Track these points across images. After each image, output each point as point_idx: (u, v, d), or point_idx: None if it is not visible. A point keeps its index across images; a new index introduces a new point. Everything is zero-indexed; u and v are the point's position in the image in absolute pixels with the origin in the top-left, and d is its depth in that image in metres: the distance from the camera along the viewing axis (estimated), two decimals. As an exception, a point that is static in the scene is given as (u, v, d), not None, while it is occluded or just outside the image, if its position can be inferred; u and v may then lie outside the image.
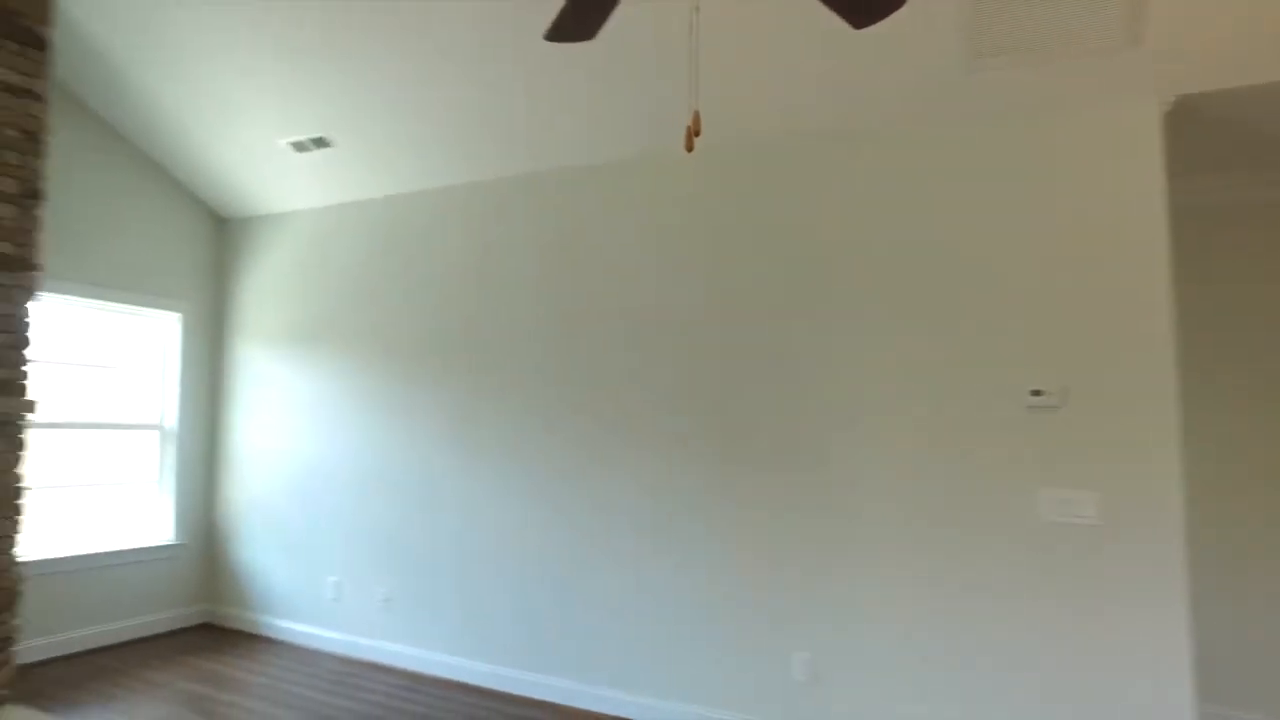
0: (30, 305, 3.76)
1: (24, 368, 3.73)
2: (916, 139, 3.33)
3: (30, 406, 3.67)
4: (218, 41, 3.80)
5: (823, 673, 3.32)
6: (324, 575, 4.67)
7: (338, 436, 4.71)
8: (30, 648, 4.19)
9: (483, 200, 4.34)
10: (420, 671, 4.24)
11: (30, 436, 4.25)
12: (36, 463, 4.38)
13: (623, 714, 3.69)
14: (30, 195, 3.77)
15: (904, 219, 3.33)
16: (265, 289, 5.11)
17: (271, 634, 4.82)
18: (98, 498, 4.80)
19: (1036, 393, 3.07)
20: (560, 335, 4.03)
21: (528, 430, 4.08)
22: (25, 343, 3.75)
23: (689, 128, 1.55)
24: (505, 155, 4.13)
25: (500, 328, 4.21)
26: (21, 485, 3.71)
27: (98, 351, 4.78)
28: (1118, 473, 2.92)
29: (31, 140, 3.79)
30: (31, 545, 4.34)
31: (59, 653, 4.30)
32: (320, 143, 4.33)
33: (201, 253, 5.21)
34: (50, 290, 4.37)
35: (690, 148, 1.64)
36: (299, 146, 4.39)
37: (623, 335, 3.87)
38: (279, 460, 4.93)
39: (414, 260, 4.54)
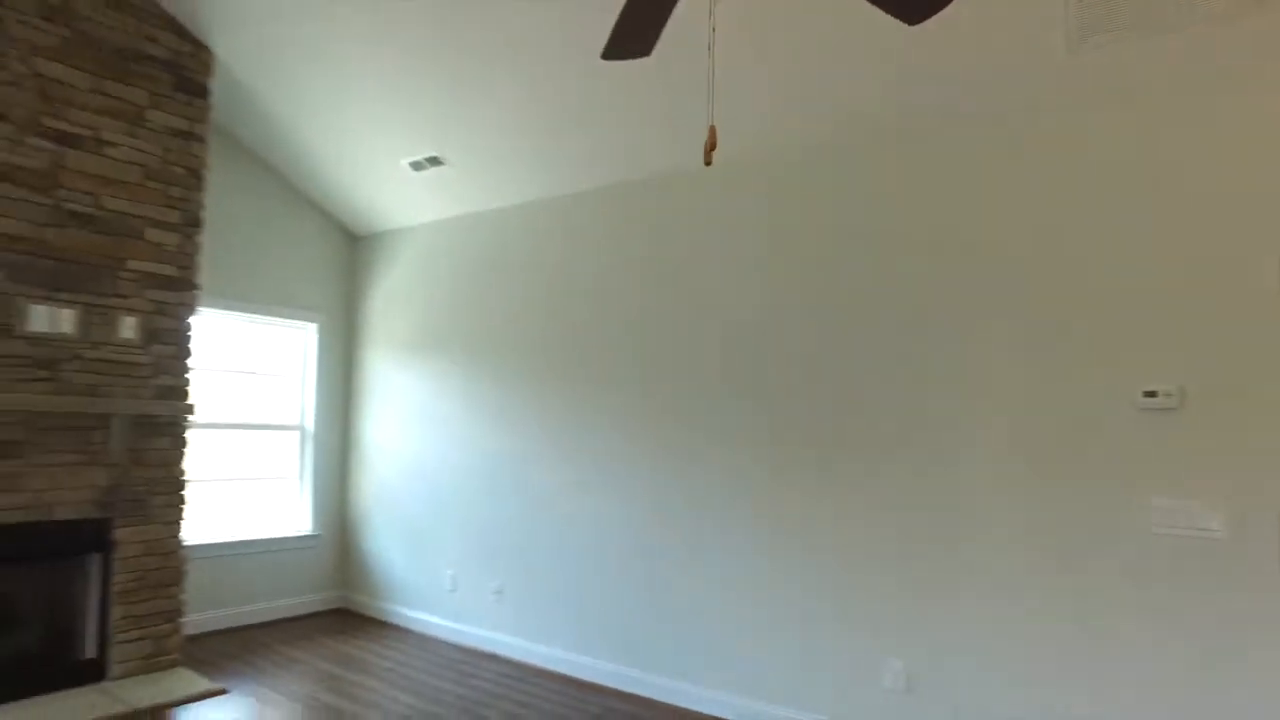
0: (190, 320, 4.26)
1: (186, 375, 4.23)
2: (1018, 127, 3.21)
3: (190, 409, 4.16)
4: (345, 78, 4.17)
5: (916, 682, 3.24)
6: (442, 567, 4.98)
7: (450, 436, 5.02)
8: (192, 621, 4.71)
9: (581, 209, 4.52)
10: (526, 662, 4.44)
11: (191, 435, 4.81)
12: (196, 458, 4.94)
13: (716, 713, 3.73)
14: (191, 224, 4.28)
15: (1007, 212, 3.21)
16: (389, 299, 5.52)
17: (397, 621, 5.19)
18: (248, 491, 5.34)
19: (1150, 394, 2.88)
20: (656, 339, 4.14)
21: (625, 431, 4.21)
22: (187, 353, 4.25)
23: (706, 144, 1.61)
24: (601, 165, 4.29)
25: (599, 332, 4.37)
26: (184, 478, 4.21)
27: (247, 359, 5.32)
28: (1245, 482, 2.70)
29: (194, 176, 4.30)
30: (193, 531, 4.89)
31: (215, 627, 4.83)
32: (434, 161, 4.66)
33: (336, 267, 5.70)
34: (207, 306, 4.91)
35: (708, 162, 1.70)
36: (416, 166, 4.74)
37: (719, 338, 3.93)
38: (401, 458, 5.31)
39: (517, 269, 4.78)
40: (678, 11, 3.14)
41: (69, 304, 3.79)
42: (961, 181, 3.31)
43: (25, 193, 3.68)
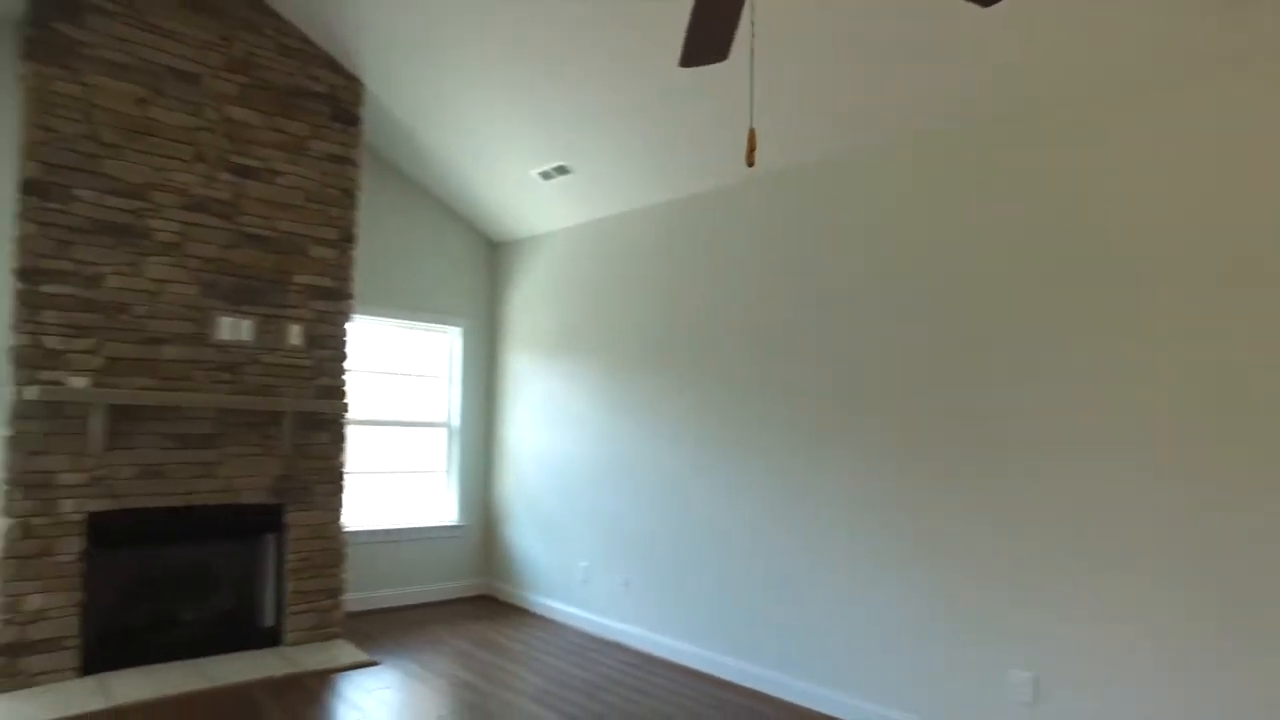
0: (347, 326, 4.74)
1: (343, 376, 4.71)
2: (1165, 100, 2.98)
3: (346, 407, 4.63)
4: (480, 98, 4.50)
5: (1045, 693, 3.08)
6: (575, 559, 5.23)
7: (580, 432, 5.26)
8: (351, 599, 5.21)
9: (701, 210, 4.61)
10: (649, 652, 4.59)
11: (350, 431, 5.34)
12: (356, 453, 5.47)
13: (833, 713, 3.71)
14: (346, 239, 4.76)
15: (1149, 196, 3.00)
16: (525, 303, 5.86)
17: (534, 608, 5.50)
18: (403, 483, 5.84)
19: (1313, 390, 2.60)
20: (779, 339, 4.15)
21: (747, 431, 4.26)
22: (344, 356, 4.73)
23: (747, 147, 1.65)
24: (712, 166, 4.37)
25: (722, 331, 4.43)
26: (342, 469, 4.69)
27: (400, 361, 5.83)
28: None
29: (348, 196, 4.79)
30: (353, 518, 5.41)
31: (372, 606, 5.31)
32: (561, 170, 4.92)
33: (478, 274, 6.11)
34: (363, 313, 5.42)
35: (751, 163, 1.73)
36: (545, 175, 5.02)
37: (845, 339, 3.89)
38: (537, 453, 5.62)
39: (643, 270, 4.94)
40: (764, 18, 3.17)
41: (248, 315, 4.34)
42: (1095, 166, 3.12)
43: (215, 220, 4.25)
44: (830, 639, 3.79)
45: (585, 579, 5.16)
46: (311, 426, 4.53)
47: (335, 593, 4.54)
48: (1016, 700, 3.16)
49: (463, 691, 3.85)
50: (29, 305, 3.69)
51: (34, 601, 3.60)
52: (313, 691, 3.76)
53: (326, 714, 3.49)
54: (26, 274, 3.70)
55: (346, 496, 5.24)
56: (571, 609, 5.23)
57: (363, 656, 4.22)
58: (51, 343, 3.73)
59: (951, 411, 3.44)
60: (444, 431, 5.96)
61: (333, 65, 4.69)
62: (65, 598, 3.68)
